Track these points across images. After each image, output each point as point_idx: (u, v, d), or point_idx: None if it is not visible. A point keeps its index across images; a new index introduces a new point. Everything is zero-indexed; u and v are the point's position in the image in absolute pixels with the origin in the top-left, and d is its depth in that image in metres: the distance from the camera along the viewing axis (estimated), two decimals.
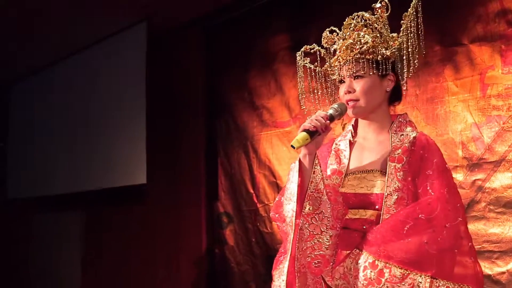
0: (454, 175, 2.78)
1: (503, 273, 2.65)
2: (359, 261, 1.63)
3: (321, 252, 1.65)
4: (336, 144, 1.90)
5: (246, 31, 4.12)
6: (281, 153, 3.77)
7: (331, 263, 1.67)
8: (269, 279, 1.79)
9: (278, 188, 3.75)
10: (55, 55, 5.21)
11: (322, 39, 1.85)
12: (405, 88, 1.80)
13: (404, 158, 1.70)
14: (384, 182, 1.69)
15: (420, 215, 1.59)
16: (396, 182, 1.68)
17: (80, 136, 5.07)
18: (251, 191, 3.93)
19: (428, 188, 1.64)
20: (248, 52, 4.08)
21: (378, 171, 1.73)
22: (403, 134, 1.76)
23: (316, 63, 1.89)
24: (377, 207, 1.70)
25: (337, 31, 1.83)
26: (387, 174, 1.70)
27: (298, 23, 3.73)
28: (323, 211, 1.65)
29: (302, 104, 1.90)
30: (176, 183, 4.47)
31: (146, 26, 4.38)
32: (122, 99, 4.60)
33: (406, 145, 1.72)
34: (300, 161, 1.71)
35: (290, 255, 1.65)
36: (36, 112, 5.65)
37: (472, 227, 2.72)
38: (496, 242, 2.67)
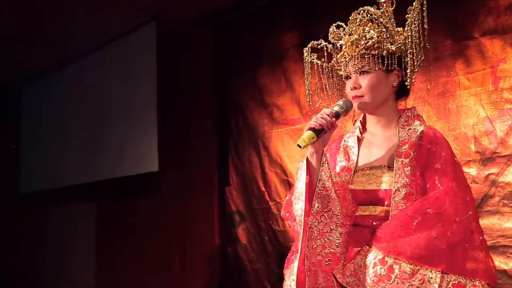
0: (467, 170, 2.78)
1: None
2: (369, 258, 1.62)
3: (331, 250, 1.65)
4: (344, 140, 1.89)
5: (255, 29, 4.11)
6: (292, 151, 3.76)
7: (342, 261, 1.67)
8: (282, 277, 1.79)
9: (289, 185, 3.75)
10: (65, 57, 5.24)
11: (329, 34, 1.84)
12: (409, 82, 1.77)
13: (412, 153, 1.69)
14: (392, 177, 1.69)
15: (428, 210, 1.58)
16: (404, 177, 1.67)
17: (89, 129, 5.11)
18: (263, 189, 3.93)
19: (437, 182, 1.63)
20: (257, 50, 4.07)
21: (386, 167, 1.73)
22: (410, 129, 1.75)
23: (323, 59, 1.89)
24: (386, 203, 1.69)
25: (344, 26, 1.82)
26: (394, 170, 1.69)
27: (307, 19, 3.72)
28: (332, 209, 1.65)
29: (308, 100, 1.88)
30: (188, 188, 4.47)
31: (155, 26, 4.39)
32: (132, 99, 4.62)
33: (413, 139, 1.71)
34: (307, 159, 1.71)
35: (300, 254, 1.65)
36: (47, 111, 5.71)
37: (487, 221, 2.70)
38: (511, 236, 2.64)
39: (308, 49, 1.89)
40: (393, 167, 1.69)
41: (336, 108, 1.72)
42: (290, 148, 3.77)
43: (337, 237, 1.65)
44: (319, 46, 1.87)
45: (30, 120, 6.01)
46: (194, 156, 4.46)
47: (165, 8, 4.23)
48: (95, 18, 4.36)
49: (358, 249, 1.68)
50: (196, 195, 4.40)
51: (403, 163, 1.68)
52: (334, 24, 1.83)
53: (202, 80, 4.47)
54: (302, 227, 1.65)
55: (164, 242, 4.59)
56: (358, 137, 1.85)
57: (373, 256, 1.61)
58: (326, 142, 1.72)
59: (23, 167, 6.01)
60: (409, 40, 1.72)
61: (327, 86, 1.91)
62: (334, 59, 1.86)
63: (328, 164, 1.69)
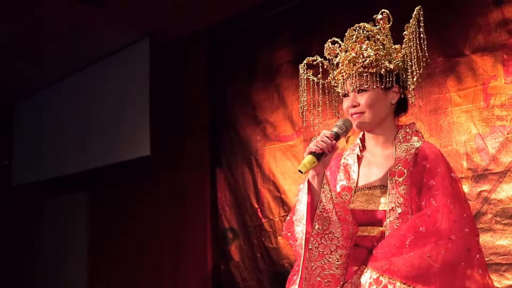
0: None
1: None
2: (365, 277, 1.61)
3: (331, 272, 1.64)
4: (344, 158, 1.88)
5: (249, 45, 4.13)
6: (285, 168, 3.75)
7: (342, 282, 1.65)
8: None
9: (282, 202, 3.73)
10: (58, 73, 5.24)
11: (325, 50, 1.83)
12: (410, 98, 1.76)
13: (405, 171, 1.68)
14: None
15: (420, 228, 1.56)
16: (398, 196, 1.65)
17: (81, 153, 5.11)
18: (256, 206, 3.91)
19: (431, 199, 1.61)
20: (250, 66, 4.09)
21: (384, 187, 1.71)
22: (408, 145, 1.74)
23: (319, 75, 1.87)
24: (384, 223, 1.68)
25: (339, 42, 1.81)
26: (388, 189, 1.67)
27: (300, 37, 3.74)
28: (333, 231, 1.64)
29: (302, 116, 1.86)
30: (180, 200, 4.46)
31: (148, 42, 4.40)
32: (125, 115, 4.61)
33: (408, 157, 1.70)
34: (309, 181, 1.69)
35: (301, 276, 1.64)
36: (39, 125, 5.69)
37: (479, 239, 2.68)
38: (504, 254, 2.63)
39: (304, 65, 1.88)
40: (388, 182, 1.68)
41: (335, 129, 1.70)
42: (283, 165, 3.76)
43: (337, 259, 1.64)
44: (314, 63, 1.86)
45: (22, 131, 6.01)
46: (187, 172, 4.45)
47: (158, 24, 4.25)
48: (88, 35, 4.37)
49: (356, 268, 1.67)
50: (189, 212, 4.37)
51: (397, 182, 1.67)
52: (329, 40, 1.82)
53: (195, 96, 4.47)
54: (303, 249, 1.63)
55: (155, 266, 4.56)
56: (358, 155, 1.84)
57: (369, 276, 1.60)
58: (327, 164, 1.71)
59: (14, 159, 5.97)
60: (408, 57, 1.72)
61: (321, 103, 1.88)
62: (330, 75, 1.85)
63: (329, 185, 1.68)
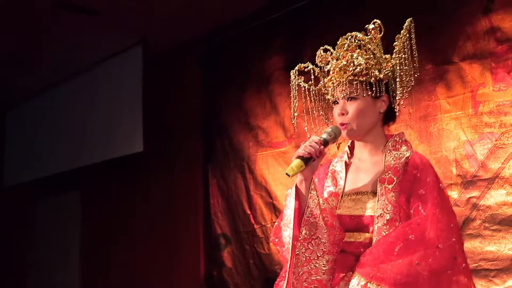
0: (449, 193, 2.79)
1: None
2: (352, 283, 1.62)
3: (318, 277, 1.64)
4: (332, 165, 1.90)
5: (242, 52, 4.16)
6: (277, 174, 3.77)
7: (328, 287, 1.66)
8: None
9: (274, 208, 3.75)
10: (51, 80, 5.24)
11: (316, 58, 1.85)
12: (397, 109, 1.79)
13: (395, 178, 1.70)
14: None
15: (410, 236, 1.58)
16: (387, 203, 1.67)
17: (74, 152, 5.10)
18: (248, 212, 3.93)
19: (420, 208, 1.64)
20: (244, 73, 4.11)
21: (372, 193, 1.73)
22: (397, 154, 1.76)
23: (310, 82, 1.89)
24: (371, 229, 1.69)
25: (331, 50, 1.83)
26: (377, 196, 1.69)
27: (293, 44, 3.77)
28: (320, 236, 1.65)
29: (293, 123, 1.88)
30: (172, 205, 4.47)
31: (141, 49, 4.41)
32: (118, 121, 4.62)
33: (398, 165, 1.72)
34: (296, 186, 1.71)
35: (287, 281, 1.65)
36: (31, 133, 5.69)
37: (468, 245, 2.71)
38: (493, 260, 2.65)
39: (295, 72, 1.89)
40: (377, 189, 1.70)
41: (324, 136, 1.73)
42: (275, 171, 3.78)
43: (323, 264, 1.65)
44: (306, 69, 1.88)
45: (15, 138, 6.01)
46: (179, 178, 4.46)
47: (152, 31, 4.27)
48: (82, 42, 4.38)
49: (343, 275, 1.68)
50: (182, 218, 4.38)
51: (386, 189, 1.69)
52: (321, 48, 1.84)
53: (188, 102, 4.49)
54: (290, 254, 1.65)
55: (147, 272, 4.56)
56: (345, 162, 1.86)
57: (356, 282, 1.61)
58: (315, 169, 1.73)
59: (6, 159, 5.97)
60: (398, 67, 1.74)
61: (313, 109, 1.90)
62: (321, 83, 1.87)
63: (316, 191, 1.70)
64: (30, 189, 5.86)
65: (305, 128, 1.88)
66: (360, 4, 3.32)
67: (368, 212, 1.71)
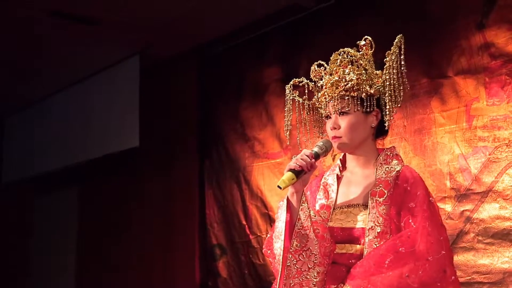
0: (442, 206, 2.82)
1: None
2: None
3: None
4: (325, 178, 1.92)
5: (238, 63, 4.18)
6: (273, 185, 3.78)
7: None
8: None
9: (270, 219, 3.76)
10: (48, 90, 5.26)
11: (311, 73, 1.88)
12: (387, 125, 1.81)
13: (386, 192, 1.72)
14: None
15: (400, 248, 1.60)
16: (378, 216, 1.69)
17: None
18: (244, 222, 3.94)
19: (410, 221, 1.66)
20: (240, 84, 4.14)
21: (363, 205, 1.76)
22: (388, 167, 1.79)
23: (304, 96, 1.92)
24: (362, 241, 1.71)
25: (325, 65, 1.86)
26: (368, 209, 1.72)
27: (289, 55, 3.80)
28: (310, 248, 1.67)
29: (286, 135, 1.90)
30: (168, 214, 4.47)
31: (138, 59, 4.44)
32: (115, 131, 4.63)
33: (389, 179, 1.74)
34: (288, 199, 1.74)
35: None
36: (31, 142, 5.70)
37: (462, 258, 2.73)
38: (486, 273, 2.67)
39: (290, 86, 1.93)
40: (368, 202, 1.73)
41: (315, 149, 1.76)
42: (271, 182, 3.80)
43: (314, 276, 1.66)
44: (300, 84, 1.91)
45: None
46: (176, 188, 4.47)
47: (149, 41, 4.29)
48: (79, 51, 4.41)
49: (334, 287, 1.70)
50: (178, 228, 4.39)
51: (377, 202, 1.71)
52: (315, 63, 1.87)
53: (184, 112, 4.51)
54: (281, 265, 1.67)
55: (143, 282, 4.56)
56: (337, 175, 1.88)
57: None
58: (307, 182, 1.75)
59: (5, 156, 5.97)
60: (388, 83, 1.77)
61: (307, 123, 1.93)
62: (315, 97, 1.90)
63: (308, 203, 1.72)
64: (28, 186, 5.87)
65: (298, 140, 1.91)
66: (356, 17, 3.35)
67: (359, 225, 1.73)
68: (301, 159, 1.70)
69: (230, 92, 4.19)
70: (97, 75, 4.88)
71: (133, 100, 4.40)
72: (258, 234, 3.82)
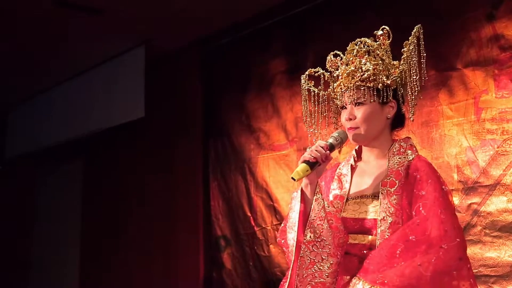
0: None
1: None
2: None
3: (321, 280, 1.66)
4: (339, 168, 1.92)
5: (244, 54, 4.16)
6: (278, 176, 3.78)
7: None
8: None
9: (275, 211, 3.76)
10: (54, 79, 5.25)
11: (326, 63, 1.86)
12: (410, 115, 1.79)
13: (397, 182, 1.71)
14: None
15: (410, 237, 1.59)
16: (389, 206, 1.68)
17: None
18: (249, 214, 3.93)
19: (421, 208, 1.64)
20: (245, 76, 4.12)
21: (374, 196, 1.75)
22: (401, 158, 1.77)
23: (320, 87, 1.90)
24: (374, 232, 1.71)
25: (341, 55, 1.84)
26: (379, 199, 1.70)
27: (295, 47, 3.78)
28: (324, 238, 1.67)
29: (306, 127, 1.89)
30: (172, 206, 4.47)
31: (144, 51, 4.41)
32: (119, 123, 4.62)
33: (400, 169, 1.73)
34: (302, 190, 1.73)
35: (289, 283, 1.67)
36: (32, 136, 5.69)
37: (469, 251, 2.67)
38: (493, 266, 2.66)
39: (306, 76, 1.91)
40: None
41: (330, 140, 1.75)
42: (276, 174, 3.79)
43: (327, 266, 1.66)
44: (316, 74, 1.89)
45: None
46: (181, 179, 4.46)
47: (154, 33, 4.27)
48: (84, 43, 4.39)
49: (348, 277, 1.69)
50: (183, 219, 4.39)
51: (389, 192, 1.70)
52: (331, 53, 1.86)
53: (189, 103, 4.49)
54: (293, 256, 1.67)
55: (147, 272, 4.57)
56: (352, 165, 1.88)
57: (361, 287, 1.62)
58: (321, 173, 1.74)
59: (9, 131, 5.95)
60: (407, 74, 1.75)
61: (323, 113, 1.90)
62: (330, 87, 1.89)
63: (322, 194, 1.71)
64: (31, 160, 5.87)
65: (308, 130, 1.90)
66: (363, 9, 3.33)
67: (371, 216, 1.73)
68: (316, 150, 1.69)
69: (236, 84, 4.18)
70: (102, 66, 4.86)
71: (138, 91, 4.38)
72: (263, 226, 3.82)
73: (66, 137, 5.14)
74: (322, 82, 1.88)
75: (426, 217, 1.61)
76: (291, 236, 1.70)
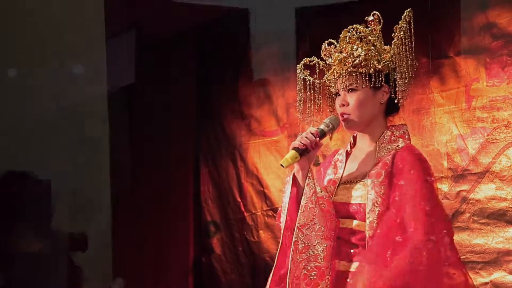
0: (439, 186, 2.80)
1: (487, 283, 2.68)
2: None
3: (316, 264, 1.67)
4: (338, 154, 1.93)
5: (235, 41, 4.13)
6: (268, 162, 3.78)
7: (327, 276, 1.68)
8: None
9: (265, 197, 3.77)
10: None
11: (321, 52, 1.86)
12: (400, 100, 1.79)
13: (383, 172, 1.71)
14: (366, 193, 1.72)
15: (396, 238, 1.59)
16: (377, 197, 1.68)
17: None
18: (239, 199, 3.94)
19: (397, 198, 1.64)
20: (237, 61, 4.09)
21: (361, 182, 1.76)
22: (391, 146, 1.78)
23: (315, 76, 1.89)
24: (358, 216, 1.73)
25: (335, 43, 1.84)
26: (367, 190, 1.71)
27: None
28: (316, 222, 1.68)
29: (299, 116, 1.89)
30: (162, 191, 4.46)
31: (135, 35, 4.37)
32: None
33: (387, 158, 1.73)
34: (294, 175, 1.74)
35: (275, 266, 1.70)
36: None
37: (457, 237, 2.71)
38: (480, 252, 2.70)
39: (301, 66, 1.90)
40: (367, 183, 1.72)
41: (321, 127, 1.75)
42: (267, 160, 3.79)
43: (322, 250, 1.68)
44: (311, 63, 1.89)
45: None
46: (171, 165, 4.45)
47: (146, 18, 4.23)
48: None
49: (342, 270, 1.70)
50: (172, 205, 4.38)
51: (375, 182, 1.70)
52: (326, 42, 1.85)
53: (181, 89, 4.46)
54: (281, 240, 1.71)
55: (136, 256, 4.55)
56: (347, 151, 1.89)
57: None
58: (312, 159, 1.75)
59: None
60: (397, 58, 1.75)
61: (317, 101, 1.89)
62: (326, 75, 1.88)
63: (313, 179, 1.72)
64: None
65: (300, 117, 1.90)
66: None
67: (356, 200, 1.74)
68: (306, 137, 1.69)
69: (228, 69, 4.15)
70: None
71: (128, 76, 4.35)
72: (253, 212, 3.83)
73: None
74: (317, 71, 1.88)
75: (404, 209, 1.61)
76: (282, 219, 1.73)
